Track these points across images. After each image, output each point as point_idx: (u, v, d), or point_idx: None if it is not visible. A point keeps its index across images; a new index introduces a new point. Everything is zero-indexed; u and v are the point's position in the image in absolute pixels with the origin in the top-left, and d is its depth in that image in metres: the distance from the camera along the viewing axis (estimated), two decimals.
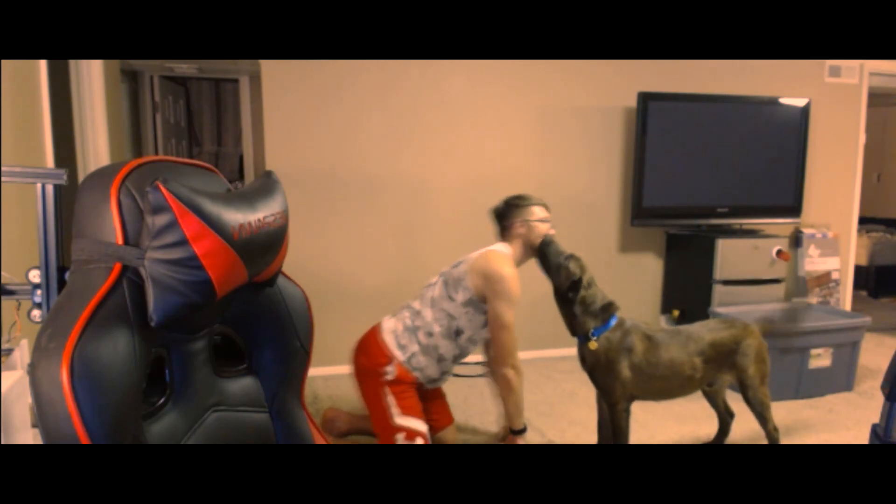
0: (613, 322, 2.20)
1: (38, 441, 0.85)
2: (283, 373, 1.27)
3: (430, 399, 2.44)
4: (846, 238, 4.55)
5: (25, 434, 1.37)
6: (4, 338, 1.44)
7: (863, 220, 5.10)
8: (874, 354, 3.88)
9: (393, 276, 3.60)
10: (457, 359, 2.37)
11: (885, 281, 5.54)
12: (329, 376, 3.46)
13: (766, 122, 3.89)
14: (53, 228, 1.17)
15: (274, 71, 3.31)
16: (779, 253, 3.74)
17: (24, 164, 2.15)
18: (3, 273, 1.57)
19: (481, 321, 2.29)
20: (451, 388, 2.99)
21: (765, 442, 2.40)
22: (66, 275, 1.00)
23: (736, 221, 3.95)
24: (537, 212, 2.36)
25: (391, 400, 2.25)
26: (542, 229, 2.34)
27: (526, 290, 2.36)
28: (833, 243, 4.41)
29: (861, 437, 2.69)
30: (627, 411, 2.23)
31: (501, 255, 2.28)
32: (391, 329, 2.32)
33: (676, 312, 3.93)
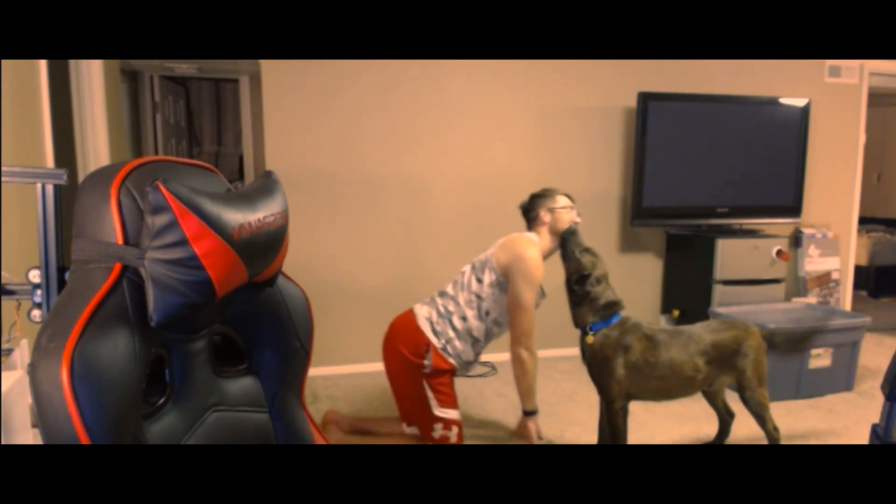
0: (615, 320, 2.21)
1: (38, 441, 0.85)
2: (283, 373, 1.27)
3: None
4: (846, 238, 4.55)
5: (25, 434, 1.37)
6: (4, 338, 1.44)
7: (863, 220, 5.10)
8: (874, 354, 3.88)
9: (393, 276, 3.60)
10: (487, 338, 2.45)
11: (885, 281, 5.54)
12: (329, 376, 3.46)
13: (766, 122, 3.89)
14: (53, 228, 1.17)
15: (274, 71, 3.31)
16: (779, 253, 3.74)
17: (24, 164, 2.15)
18: (3, 273, 1.57)
19: (505, 302, 2.36)
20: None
21: (765, 442, 2.40)
22: (66, 275, 1.00)
23: (736, 221, 3.95)
24: (561, 200, 2.45)
25: (430, 393, 2.35)
26: (567, 217, 2.42)
27: None
28: (833, 243, 4.41)
29: (861, 437, 2.69)
30: (625, 410, 2.24)
31: (528, 239, 2.38)
32: (426, 316, 2.41)
33: (676, 312, 3.93)
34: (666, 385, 2.23)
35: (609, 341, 2.19)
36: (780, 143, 3.93)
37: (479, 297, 2.37)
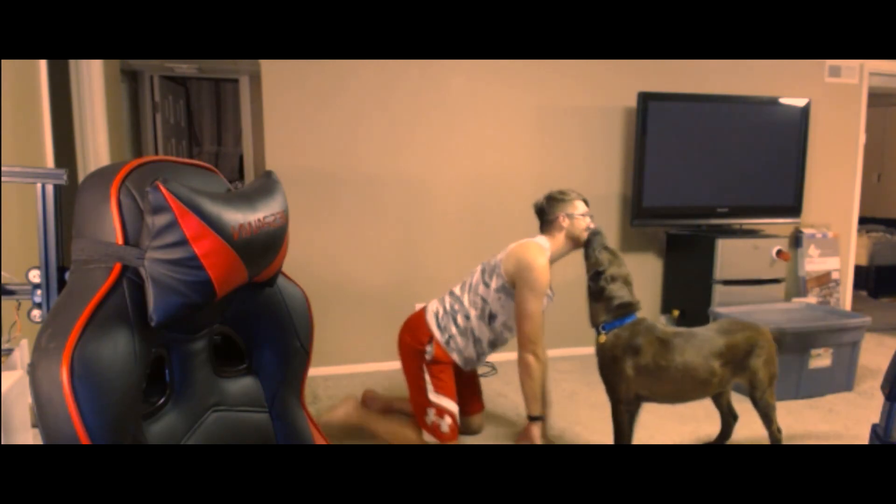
0: (628, 321, 2.21)
1: (38, 441, 0.85)
2: (283, 373, 1.27)
3: (465, 385, 2.56)
4: (846, 238, 4.55)
5: (25, 434, 1.37)
6: (4, 338, 1.44)
7: (863, 220, 5.10)
8: (874, 354, 3.88)
9: (393, 276, 3.60)
10: (492, 344, 2.49)
11: (885, 281, 5.54)
12: (329, 376, 3.46)
13: (766, 122, 3.89)
14: (53, 228, 1.18)
15: (274, 71, 3.31)
16: (779, 253, 3.74)
17: (24, 164, 2.15)
18: (3, 273, 1.57)
19: (513, 307, 2.39)
20: None
21: (766, 443, 2.39)
22: (66, 275, 1.00)
23: (736, 221, 3.95)
24: (580, 206, 2.46)
25: (428, 378, 2.41)
26: (584, 223, 2.44)
27: None
28: (833, 243, 4.41)
29: (861, 437, 2.69)
30: (633, 412, 2.23)
31: (538, 247, 2.38)
32: (433, 311, 2.49)
33: (676, 312, 3.93)
34: (680, 388, 2.22)
35: (619, 342, 2.19)
36: (780, 143, 3.93)
37: (484, 300, 2.41)
